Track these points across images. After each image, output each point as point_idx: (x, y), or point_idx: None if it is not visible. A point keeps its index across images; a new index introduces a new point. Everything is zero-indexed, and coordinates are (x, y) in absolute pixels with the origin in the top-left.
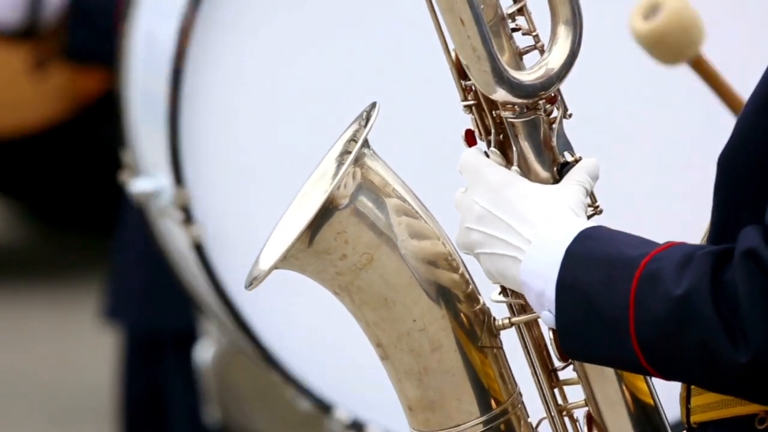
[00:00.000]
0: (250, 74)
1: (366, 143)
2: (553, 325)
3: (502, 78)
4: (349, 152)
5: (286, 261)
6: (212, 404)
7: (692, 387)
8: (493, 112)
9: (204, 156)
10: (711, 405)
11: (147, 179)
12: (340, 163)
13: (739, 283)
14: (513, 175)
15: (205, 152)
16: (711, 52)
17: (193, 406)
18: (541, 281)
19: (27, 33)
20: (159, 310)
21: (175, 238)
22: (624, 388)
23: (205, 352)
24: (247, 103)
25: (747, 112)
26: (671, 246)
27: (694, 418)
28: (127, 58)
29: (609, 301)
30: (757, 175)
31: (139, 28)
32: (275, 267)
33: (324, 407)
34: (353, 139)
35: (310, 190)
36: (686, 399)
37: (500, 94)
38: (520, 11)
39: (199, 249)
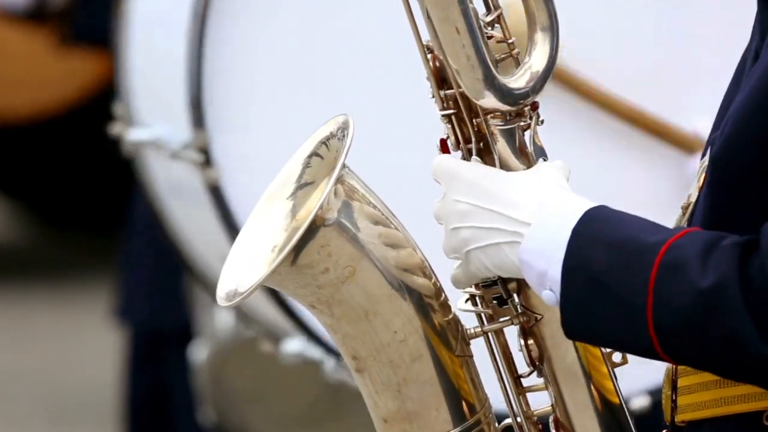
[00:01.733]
0: (274, 27)
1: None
2: (553, 304)
3: (493, 85)
4: (319, 155)
5: (268, 278)
6: (207, 404)
7: (679, 386)
8: (473, 121)
9: (223, 102)
10: (706, 403)
11: (144, 128)
12: (306, 167)
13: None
14: (489, 167)
15: (225, 98)
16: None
17: (195, 405)
18: (543, 261)
19: (36, 15)
20: (163, 308)
21: (182, 214)
22: (593, 389)
23: (200, 352)
24: (270, 55)
25: (740, 109)
26: (688, 232)
27: (682, 417)
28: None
29: (624, 285)
30: (756, 173)
31: None
32: (259, 285)
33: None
34: (324, 143)
35: (274, 194)
36: (671, 398)
37: (490, 101)
38: (496, 20)
39: (216, 192)
